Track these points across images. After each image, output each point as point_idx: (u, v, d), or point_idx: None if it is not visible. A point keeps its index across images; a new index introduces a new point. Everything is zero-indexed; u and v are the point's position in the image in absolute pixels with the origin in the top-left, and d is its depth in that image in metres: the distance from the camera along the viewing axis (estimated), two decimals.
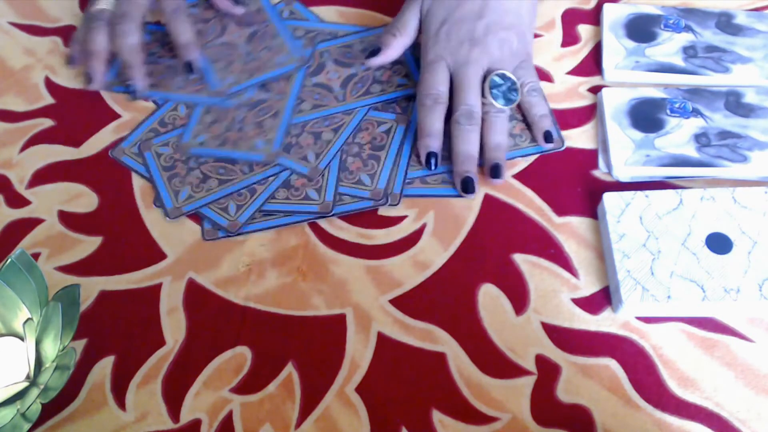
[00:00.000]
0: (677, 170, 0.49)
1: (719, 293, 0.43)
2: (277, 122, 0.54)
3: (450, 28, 0.52)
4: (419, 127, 0.52)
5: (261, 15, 0.59)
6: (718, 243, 0.45)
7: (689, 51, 0.54)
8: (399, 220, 0.50)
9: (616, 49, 0.55)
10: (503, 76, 0.51)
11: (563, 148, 0.52)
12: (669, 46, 0.55)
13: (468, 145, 0.50)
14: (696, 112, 0.51)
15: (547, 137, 0.51)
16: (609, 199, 0.48)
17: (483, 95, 0.51)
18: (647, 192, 0.48)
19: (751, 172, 0.49)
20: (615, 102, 0.53)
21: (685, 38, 0.55)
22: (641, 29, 0.56)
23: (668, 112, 0.52)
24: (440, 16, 0.53)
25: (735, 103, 0.52)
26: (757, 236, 0.45)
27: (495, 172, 0.50)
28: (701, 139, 0.50)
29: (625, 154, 0.50)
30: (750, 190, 0.47)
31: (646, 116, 0.52)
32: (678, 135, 0.51)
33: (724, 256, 0.45)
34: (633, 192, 0.48)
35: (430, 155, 0.51)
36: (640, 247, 0.45)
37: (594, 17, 0.59)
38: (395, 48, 0.55)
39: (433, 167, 0.51)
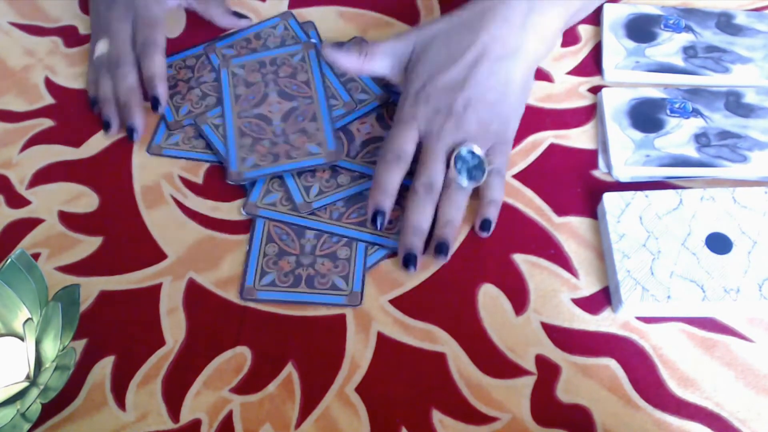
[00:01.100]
0: (677, 170, 0.49)
1: (719, 293, 0.43)
2: (319, 123, 0.53)
3: (430, 92, 0.49)
4: (374, 180, 0.49)
5: (308, 88, 0.56)
6: (718, 243, 0.45)
7: (689, 51, 0.55)
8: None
9: (616, 49, 0.55)
10: (472, 153, 0.48)
11: None
12: (669, 47, 0.55)
13: (420, 216, 0.48)
14: (696, 112, 0.51)
15: (485, 225, 0.48)
16: (609, 199, 0.48)
17: (448, 166, 0.49)
18: (647, 192, 0.48)
19: (751, 172, 0.49)
20: (615, 102, 0.53)
21: (685, 38, 0.55)
22: (641, 29, 0.56)
23: (668, 112, 0.52)
24: (423, 77, 0.50)
25: (735, 103, 0.52)
26: (757, 236, 0.45)
27: (440, 249, 0.47)
28: (701, 139, 0.50)
29: (625, 154, 0.50)
30: (750, 190, 0.47)
31: (646, 116, 0.52)
32: (678, 135, 0.51)
33: (724, 256, 0.45)
34: (633, 192, 0.48)
35: (377, 213, 0.48)
36: (640, 247, 0.45)
37: (594, 17, 0.59)
38: (351, 63, 0.52)
39: (378, 227, 0.48)
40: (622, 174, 0.50)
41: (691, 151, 0.50)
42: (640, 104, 0.52)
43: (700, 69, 0.54)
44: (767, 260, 0.44)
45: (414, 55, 0.52)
